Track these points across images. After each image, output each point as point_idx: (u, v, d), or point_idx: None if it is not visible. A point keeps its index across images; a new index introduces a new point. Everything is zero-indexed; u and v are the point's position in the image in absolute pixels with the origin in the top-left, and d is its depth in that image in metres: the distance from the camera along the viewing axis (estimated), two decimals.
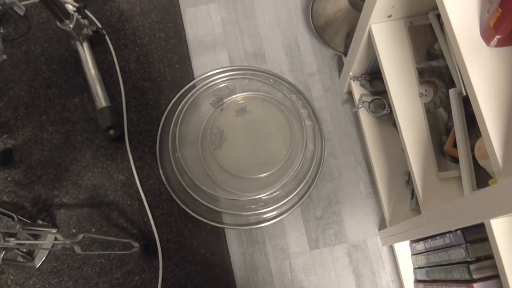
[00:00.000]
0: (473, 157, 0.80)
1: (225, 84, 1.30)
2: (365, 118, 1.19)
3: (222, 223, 1.19)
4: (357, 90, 1.20)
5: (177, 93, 1.29)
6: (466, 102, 0.82)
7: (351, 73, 1.18)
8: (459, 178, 0.84)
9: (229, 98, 1.28)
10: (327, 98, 1.30)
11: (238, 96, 1.28)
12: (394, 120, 1.17)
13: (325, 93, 1.30)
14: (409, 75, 0.92)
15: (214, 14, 1.37)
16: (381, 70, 0.94)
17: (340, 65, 1.32)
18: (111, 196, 1.22)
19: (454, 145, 0.85)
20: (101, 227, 1.20)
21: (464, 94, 0.82)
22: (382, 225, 1.20)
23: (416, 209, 1.10)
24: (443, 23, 0.88)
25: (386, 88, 0.93)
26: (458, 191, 0.85)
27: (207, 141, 1.24)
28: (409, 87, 0.91)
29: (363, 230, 1.20)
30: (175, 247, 1.18)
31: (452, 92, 0.84)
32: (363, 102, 1.18)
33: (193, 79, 1.31)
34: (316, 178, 1.22)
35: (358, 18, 1.02)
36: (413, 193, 1.11)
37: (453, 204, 0.75)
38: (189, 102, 1.27)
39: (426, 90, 0.91)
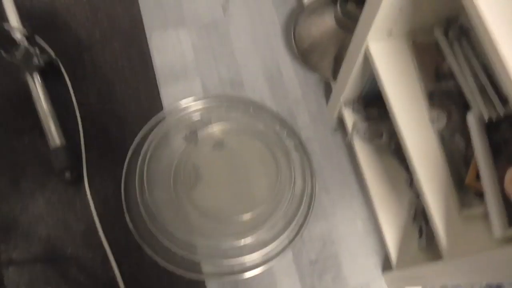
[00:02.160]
0: (502, 191, 0.68)
1: (198, 115, 1.15)
2: (360, 147, 1.05)
3: (201, 273, 1.02)
4: (349, 117, 1.08)
5: (144, 127, 1.13)
6: (489, 128, 0.71)
7: (341, 99, 1.05)
8: (485, 215, 0.70)
9: (204, 131, 1.13)
10: (315, 127, 1.17)
11: (215, 128, 1.14)
12: (393, 149, 1.05)
13: (312, 121, 1.17)
14: (417, 99, 0.79)
15: (184, 39, 1.24)
16: (383, 94, 0.81)
17: (327, 90, 1.20)
18: (70, 249, 1.03)
19: (477, 176, 0.72)
20: (58, 286, 1.00)
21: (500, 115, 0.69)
22: (386, 266, 1.05)
23: (427, 249, 0.96)
24: (452, 41, 0.77)
25: (391, 115, 0.80)
26: (485, 231, 0.71)
27: (180, 180, 1.07)
28: (418, 112, 0.79)
29: (364, 273, 1.05)
30: None
31: (471, 117, 0.72)
32: (357, 130, 1.05)
33: (162, 110, 1.16)
34: (308, 217, 1.07)
35: (347, 39, 0.90)
36: (421, 231, 0.97)
37: (485, 255, 0.61)
38: (158, 137, 1.11)
39: (438, 115, 0.79)
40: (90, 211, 1.05)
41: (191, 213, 1.05)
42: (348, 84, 0.96)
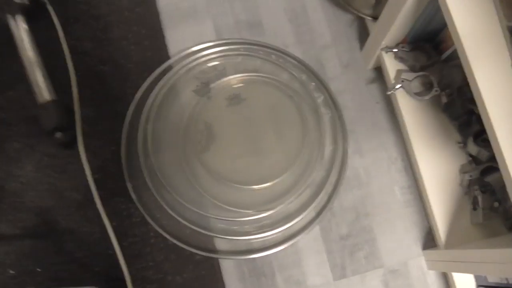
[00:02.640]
0: None
1: (212, 64, 0.97)
2: (404, 102, 0.88)
3: (215, 252, 0.88)
4: (392, 65, 0.89)
5: (148, 78, 0.96)
6: None
7: (383, 43, 0.87)
8: None
9: (217, 82, 0.96)
10: (346, 77, 0.99)
11: (230, 79, 0.96)
12: (445, 103, 0.87)
13: (343, 70, 0.99)
14: (496, 37, 0.61)
15: None
16: (451, 29, 0.62)
17: (362, 33, 1.00)
18: (63, 222, 0.90)
19: None
20: (50, 266, 0.88)
21: None
22: (427, 243, 0.91)
23: (483, 225, 0.81)
24: None
25: (462, 59, 0.61)
26: None
27: (191, 141, 0.92)
28: (497, 54, 0.60)
29: (403, 249, 0.91)
30: (153, 287, 0.87)
31: None
32: (402, 81, 0.87)
33: (169, 58, 0.98)
34: (339, 185, 0.91)
35: None
36: (476, 202, 0.82)
37: None
38: (164, 90, 0.94)
39: None
40: (86, 178, 0.91)
41: (203, 180, 0.90)
42: (396, 21, 0.77)
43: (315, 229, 0.90)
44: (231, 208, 0.88)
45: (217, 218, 0.88)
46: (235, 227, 0.89)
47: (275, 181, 0.90)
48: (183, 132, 0.92)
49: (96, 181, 0.91)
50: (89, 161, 0.92)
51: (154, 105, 0.93)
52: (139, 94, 0.95)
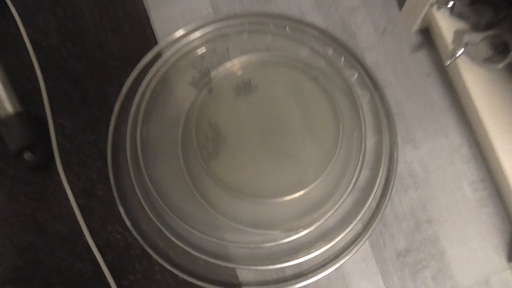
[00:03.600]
0: None
1: (209, 47, 0.77)
2: (470, 73, 0.66)
3: (239, 286, 0.69)
4: (447, 25, 0.67)
5: (132, 72, 0.76)
6: None
7: None
8: None
9: (219, 69, 0.75)
10: (385, 46, 0.77)
11: (235, 64, 0.75)
12: None
13: (380, 38, 0.77)
14: None
15: None
16: None
17: None
18: (48, 260, 0.71)
19: None
20: None
21: None
22: None
23: None
24: None
25: None
26: None
27: (193, 147, 0.72)
28: None
29: (480, 263, 0.69)
30: None
31: None
32: (465, 45, 0.65)
33: (156, 43, 0.78)
34: (389, 187, 0.70)
35: None
36: None
37: None
38: (153, 85, 0.74)
39: None
40: (70, 204, 0.72)
41: (214, 196, 0.70)
42: None
43: (364, 246, 0.69)
44: (253, 230, 0.68)
45: (238, 244, 0.69)
46: (261, 253, 0.69)
47: (306, 190, 0.69)
48: (181, 136, 0.72)
49: (82, 207, 0.72)
50: (71, 183, 0.73)
51: (142, 105, 0.73)
52: (123, 93, 0.75)
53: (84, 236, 0.71)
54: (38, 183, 0.74)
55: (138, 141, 0.71)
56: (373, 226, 0.68)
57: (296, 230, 0.68)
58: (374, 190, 0.69)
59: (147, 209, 0.69)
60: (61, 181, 0.73)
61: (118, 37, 0.80)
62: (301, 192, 0.69)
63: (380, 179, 0.70)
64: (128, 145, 0.71)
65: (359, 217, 0.68)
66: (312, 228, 0.68)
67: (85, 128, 0.76)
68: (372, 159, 0.71)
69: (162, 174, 0.71)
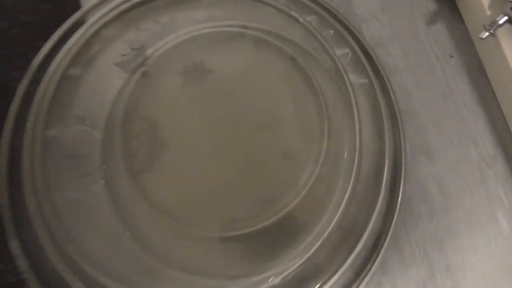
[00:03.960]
0: None
1: (149, 13, 0.55)
2: None
3: None
4: None
5: (43, 48, 0.54)
6: None
7: None
8: None
9: (160, 46, 0.54)
10: (389, 15, 0.55)
11: (183, 38, 0.54)
12: None
13: (384, 4, 0.56)
14: None
15: None
16: None
17: None
18: None
19: None
20: None
21: None
22: None
23: None
24: None
25: None
26: None
27: (118, 154, 0.51)
28: None
29: None
30: None
31: None
32: (510, 10, 0.43)
33: (79, 8, 0.56)
34: (394, 217, 0.49)
35: None
36: None
37: None
38: (63, 66, 0.52)
39: None
40: None
41: (144, 227, 0.49)
42: None
43: None
44: (201, 280, 0.47)
45: None
46: None
47: (275, 218, 0.49)
48: (103, 139, 0.51)
49: None
50: None
51: (46, 94, 0.51)
52: (27, 78, 0.53)
53: None
54: None
55: (38, 147, 0.50)
56: (368, 275, 0.48)
57: (264, 278, 0.47)
58: (371, 222, 0.48)
59: (46, 246, 0.48)
60: None
61: (28, 1, 0.59)
62: (269, 222, 0.49)
63: (380, 206, 0.49)
64: (26, 153, 0.50)
65: (349, 261, 0.47)
66: (283, 275, 0.47)
67: None
68: (368, 175, 0.51)
69: (71, 195, 0.50)
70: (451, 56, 0.53)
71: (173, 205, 0.50)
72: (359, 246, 0.47)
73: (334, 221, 0.48)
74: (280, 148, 0.52)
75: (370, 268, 0.47)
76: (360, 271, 0.48)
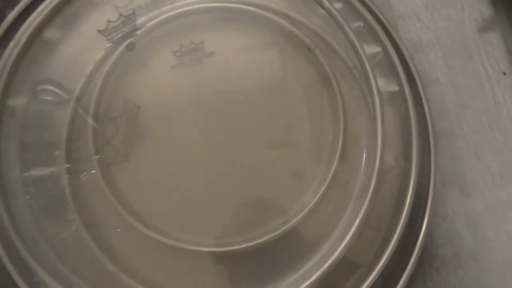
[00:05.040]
0: None
1: None
2: None
3: None
4: None
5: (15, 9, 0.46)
6: None
7: None
8: None
9: (153, 16, 0.45)
10: (433, 15, 0.46)
11: (180, 10, 0.45)
12: None
13: (428, 1, 0.46)
14: None
15: None
16: None
17: None
18: None
19: None
20: None
21: None
22: None
23: None
24: None
25: None
26: None
27: (88, 140, 0.42)
28: None
29: None
30: None
31: None
32: None
33: None
34: (412, 261, 0.40)
35: None
36: None
37: None
38: (34, 27, 0.44)
39: None
40: None
41: (112, 236, 0.40)
42: None
43: None
44: None
45: None
46: None
47: (270, 236, 0.40)
48: (70, 120, 0.42)
49: None
50: None
51: (10, 58, 0.43)
52: None
53: None
54: None
55: None
56: None
57: None
58: (383, 259, 0.39)
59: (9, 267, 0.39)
60: None
61: None
62: (262, 239, 0.40)
63: (395, 241, 0.39)
64: None
65: None
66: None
67: None
68: (385, 202, 0.41)
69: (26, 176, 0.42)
70: (504, 74, 0.44)
71: (149, 205, 0.41)
72: (364, 287, 0.38)
73: (338, 252, 0.39)
74: (284, 151, 0.42)
75: None
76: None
